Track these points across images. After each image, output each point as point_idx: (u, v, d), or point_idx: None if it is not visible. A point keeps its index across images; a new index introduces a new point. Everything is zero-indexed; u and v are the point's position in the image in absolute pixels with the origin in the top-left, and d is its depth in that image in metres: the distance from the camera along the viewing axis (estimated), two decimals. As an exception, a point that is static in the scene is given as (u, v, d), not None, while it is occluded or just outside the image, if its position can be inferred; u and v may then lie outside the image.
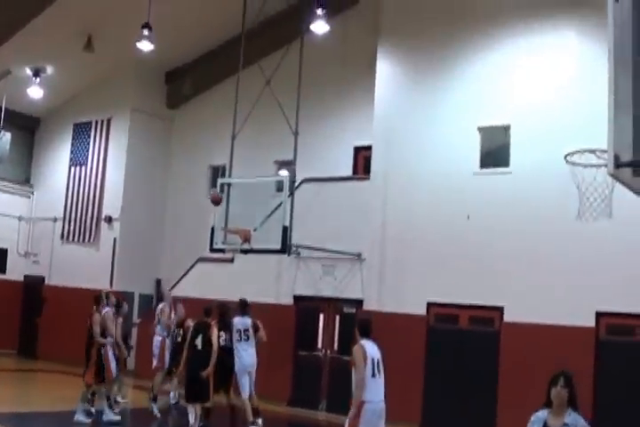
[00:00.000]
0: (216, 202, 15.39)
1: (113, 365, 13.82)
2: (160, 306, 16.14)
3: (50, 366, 21.23)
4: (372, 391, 9.31)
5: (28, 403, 15.67)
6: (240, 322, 13.83)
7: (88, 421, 13.24)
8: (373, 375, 9.36)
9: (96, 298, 14.06)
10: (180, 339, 14.37)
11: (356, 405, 9.15)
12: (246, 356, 13.73)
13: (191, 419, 12.61)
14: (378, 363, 9.49)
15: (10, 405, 15.05)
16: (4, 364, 21.56)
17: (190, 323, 14.07)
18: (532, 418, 6.11)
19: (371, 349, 9.47)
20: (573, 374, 6.06)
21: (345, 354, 16.56)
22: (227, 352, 13.48)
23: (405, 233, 15.93)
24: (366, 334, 9.68)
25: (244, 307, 14.13)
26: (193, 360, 12.73)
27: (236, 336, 13.66)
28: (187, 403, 13.02)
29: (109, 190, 22.39)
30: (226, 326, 13.76)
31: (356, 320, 10.35)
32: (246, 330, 13.81)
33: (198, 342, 12.69)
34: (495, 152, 15.36)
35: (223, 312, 14.00)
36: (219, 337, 13.43)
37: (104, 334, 13.55)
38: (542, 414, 6.08)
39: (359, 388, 9.17)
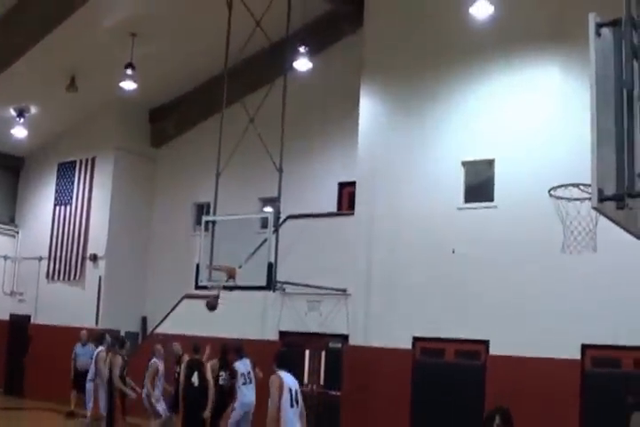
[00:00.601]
0: (211, 307, 15.22)
1: (102, 403, 13.94)
2: (151, 361, 15.75)
3: (37, 403, 21.14)
4: (290, 422, 9.24)
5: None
6: (242, 366, 13.97)
7: None
8: (292, 406, 9.29)
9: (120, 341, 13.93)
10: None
11: None
12: (250, 396, 13.96)
13: None
14: (296, 393, 9.44)
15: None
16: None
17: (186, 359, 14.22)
18: None
19: (288, 379, 9.44)
20: (509, 412, 5.36)
21: (331, 389, 16.65)
22: (226, 392, 13.58)
23: (390, 268, 16.00)
24: (284, 365, 9.68)
25: (240, 350, 14.24)
26: (190, 397, 12.70)
27: (241, 380, 13.73)
28: None
29: (94, 229, 22.40)
30: (226, 365, 13.88)
31: (276, 352, 10.25)
32: (249, 372, 14.07)
33: (194, 379, 12.68)
34: (479, 186, 15.48)
35: (224, 351, 14.15)
36: (219, 376, 13.61)
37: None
38: None
39: (274, 419, 9.12)
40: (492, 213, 14.91)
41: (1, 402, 22.06)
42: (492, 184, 15.14)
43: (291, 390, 9.33)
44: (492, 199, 15.09)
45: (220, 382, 13.61)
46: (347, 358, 16.41)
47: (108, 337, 14.99)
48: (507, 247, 14.53)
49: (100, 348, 14.16)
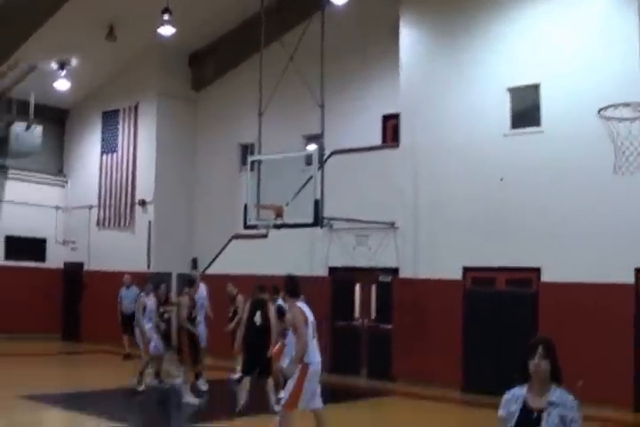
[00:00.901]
0: None
1: (152, 344, 14.34)
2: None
3: (93, 347, 21.69)
4: (313, 353, 9.33)
5: (76, 383, 15.92)
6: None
7: (196, 401, 13.34)
8: (313, 337, 9.38)
9: (190, 282, 14.01)
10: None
11: (300, 368, 9.18)
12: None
13: (242, 395, 12.60)
14: (313, 324, 9.48)
15: (59, 386, 15.33)
16: (50, 347, 22.05)
17: (241, 299, 14.36)
18: (507, 396, 4.94)
19: (307, 310, 9.47)
20: (553, 342, 4.85)
21: (382, 322, 16.73)
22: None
23: (438, 199, 15.91)
24: (296, 294, 9.67)
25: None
26: (253, 337, 12.79)
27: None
28: (243, 376, 12.99)
29: (141, 174, 22.64)
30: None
31: (285, 281, 10.06)
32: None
33: (257, 318, 12.76)
34: (526, 112, 15.18)
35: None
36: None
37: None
38: (519, 391, 4.88)
39: (301, 351, 9.21)
40: (539, 139, 14.65)
41: (59, 347, 22.64)
42: (539, 109, 14.84)
43: (312, 322, 9.41)
44: (538, 124, 14.81)
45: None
46: (397, 291, 16.45)
47: (158, 283, 15.07)
48: (556, 172, 14.31)
49: (142, 293, 14.42)
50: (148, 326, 14.84)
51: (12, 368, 17.42)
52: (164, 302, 15.42)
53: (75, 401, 13.60)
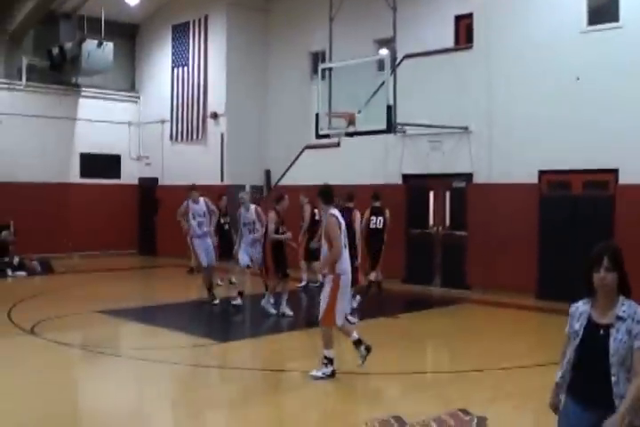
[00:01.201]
0: None
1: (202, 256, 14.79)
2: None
3: (168, 261, 22.11)
4: (345, 262, 9.10)
5: (151, 297, 16.28)
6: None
7: (274, 311, 13.54)
8: (345, 246, 9.15)
9: (279, 197, 13.79)
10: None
11: (332, 279, 8.95)
12: None
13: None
14: (345, 233, 9.26)
15: (137, 300, 15.64)
16: (127, 263, 22.57)
17: (307, 209, 15.72)
18: (571, 310, 4.54)
19: (340, 218, 9.22)
20: (619, 250, 4.39)
21: (457, 229, 16.66)
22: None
23: (512, 100, 15.55)
24: (330, 201, 9.36)
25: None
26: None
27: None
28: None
29: (213, 87, 22.61)
30: (378, 210, 14.37)
31: (320, 189, 9.51)
32: None
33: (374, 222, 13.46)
34: (603, 7, 14.59)
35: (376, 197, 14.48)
36: (369, 221, 14.19)
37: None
38: (584, 306, 4.47)
39: (332, 260, 8.95)
40: (617, 35, 14.08)
41: (136, 262, 23.14)
42: (617, 3, 14.24)
43: (344, 230, 9.21)
44: (617, 20, 14.22)
45: (371, 225, 14.18)
46: (471, 196, 16.30)
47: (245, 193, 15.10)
48: (635, 70, 13.81)
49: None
50: (201, 237, 15.00)
51: (90, 284, 17.91)
52: (224, 213, 15.56)
53: (150, 315, 13.93)
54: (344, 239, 9.16)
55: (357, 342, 9.17)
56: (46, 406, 7.93)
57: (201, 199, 15.06)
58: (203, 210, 15.02)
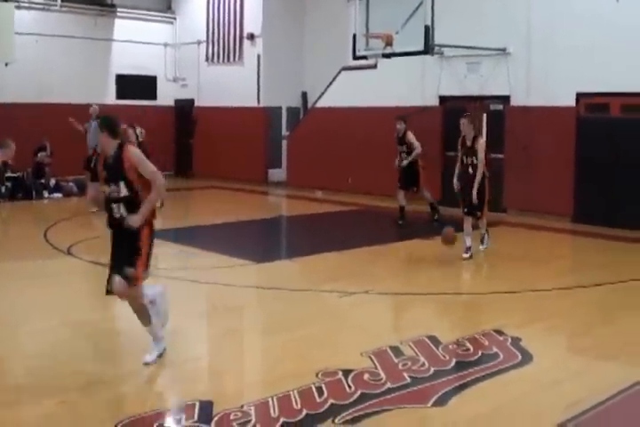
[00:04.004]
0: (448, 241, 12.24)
1: None
2: None
3: (205, 183, 22.37)
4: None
5: (191, 218, 16.53)
6: None
7: None
8: None
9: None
10: None
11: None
12: None
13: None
14: None
15: (174, 221, 15.57)
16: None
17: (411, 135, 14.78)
18: None
19: None
20: None
21: (493, 152, 16.56)
22: None
23: (551, 22, 15.32)
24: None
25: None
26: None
27: None
28: None
29: (249, 7, 22.39)
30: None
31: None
32: None
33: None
34: None
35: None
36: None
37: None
38: None
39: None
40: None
41: (174, 184, 23.32)
42: None
43: None
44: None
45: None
46: (509, 119, 16.23)
47: None
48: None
49: None
50: None
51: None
52: None
53: (187, 236, 14.12)
54: None
55: None
56: (84, 323, 8.23)
57: None
58: None
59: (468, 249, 11.62)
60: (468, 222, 11.72)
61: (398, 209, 14.81)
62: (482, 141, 11.60)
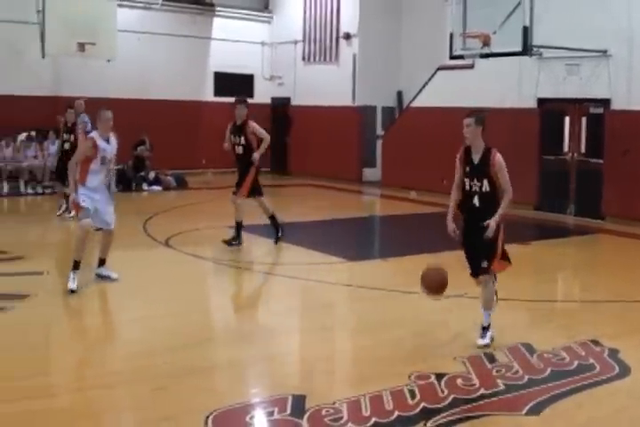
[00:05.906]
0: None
1: None
2: None
3: (301, 180, 22.57)
4: None
5: (287, 214, 16.60)
6: None
7: None
8: None
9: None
10: None
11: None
12: None
13: None
14: None
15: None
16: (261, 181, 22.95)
17: None
18: None
19: None
20: None
21: (592, 156, 16.29)
22: None
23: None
24: None
25: None
26: None
27: None
28: None
29: (346, 7, 22.51)
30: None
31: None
32: None
33: None
34: None
35: None
36: None
37: None
38: None
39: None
40: None
41: (270, 180, 23.58)
42: None
43: None
44: None
45: None
46: (608, 123, 15.86)
47: None
48: None
49: None
50: None
51: (223, 200, 18.17)
52: None
53: (287, 231, 13.78)
54: None
55: None
56: (180, 314, 8.44)
57: None
58: None
59: (485, 330, 7.47)
60: (482, 287, 7.64)
61: None
62: (498, 157, 7.24)
